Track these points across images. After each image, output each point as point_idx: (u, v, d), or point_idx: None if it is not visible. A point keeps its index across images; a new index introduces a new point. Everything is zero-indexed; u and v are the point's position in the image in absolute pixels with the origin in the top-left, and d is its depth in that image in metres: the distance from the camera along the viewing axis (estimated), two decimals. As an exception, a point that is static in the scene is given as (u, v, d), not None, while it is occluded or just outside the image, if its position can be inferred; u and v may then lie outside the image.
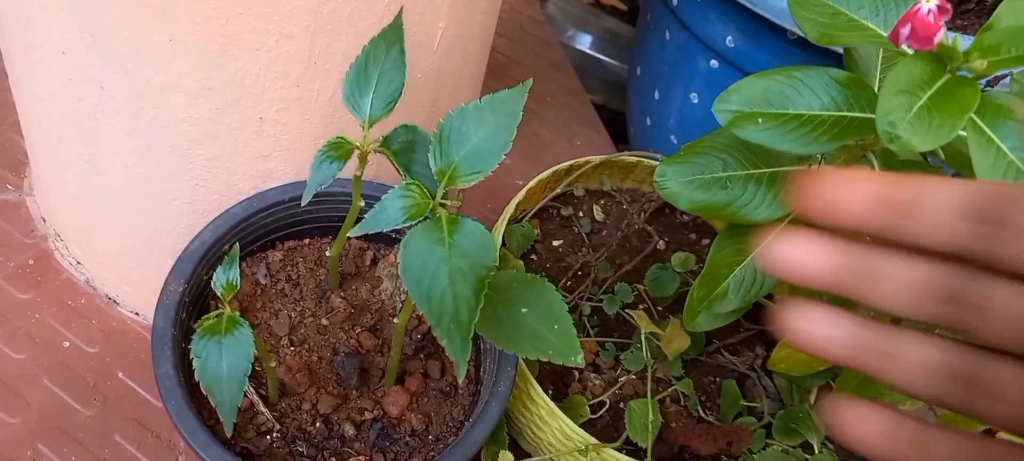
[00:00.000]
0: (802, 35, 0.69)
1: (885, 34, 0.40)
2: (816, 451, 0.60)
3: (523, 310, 0.44)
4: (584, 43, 1.25)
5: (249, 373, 0.41)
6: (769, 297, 0.69)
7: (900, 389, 0.26)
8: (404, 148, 0.45)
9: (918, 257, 0.26)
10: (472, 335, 0.38)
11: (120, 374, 0.69)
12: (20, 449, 0.63)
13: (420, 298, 0.39)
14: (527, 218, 0.72)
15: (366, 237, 0.63)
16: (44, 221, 0.75)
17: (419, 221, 0.42)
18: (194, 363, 0.41)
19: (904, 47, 0.38)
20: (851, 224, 0.26)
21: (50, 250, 0.73)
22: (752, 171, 0.46)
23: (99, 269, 0.71)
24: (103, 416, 0.66)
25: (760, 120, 0.40)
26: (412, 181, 0.43)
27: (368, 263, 0.63)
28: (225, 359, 0.41)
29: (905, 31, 0.37)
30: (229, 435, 0.42)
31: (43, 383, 0.67)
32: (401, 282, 0.62)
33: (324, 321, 0.59)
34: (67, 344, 0.69)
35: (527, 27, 1.18)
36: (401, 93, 0.47)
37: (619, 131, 1.15)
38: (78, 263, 0.72)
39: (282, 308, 0.59)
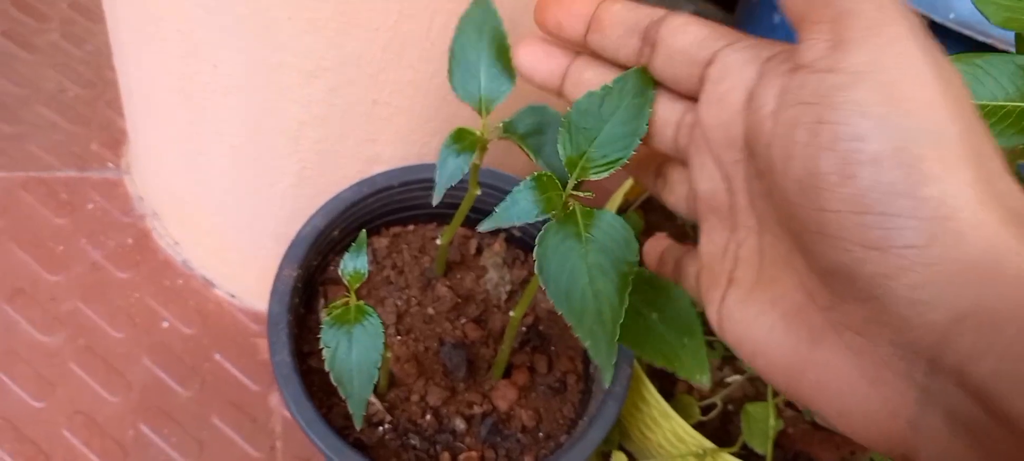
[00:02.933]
0: (934, 20, 0.64)
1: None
2: (946, 464, 0.57)
3: (654, 315, 0.42)
4: (670, 26, 1.21)
5: (380, 365, 0.40)
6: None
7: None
8: (532, 131, 0.43)
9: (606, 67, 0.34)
10: (617, 336, 0.35)
11: (217, 356, 0.68)
12: (122, 427, 0.64)
13: (558, 297, 0.37)
14: (632, 208, 0.69)
15: (471, 225, 0.61)
16: (142, 200, 0.75)
17: (551, 215, 0.39)
18: (324, 353, 0.40)
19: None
20: (568, 37, 0.33)
21: (148, 229, 0.73)
22: None
23: (197, 250, 0.70)
24: (201, 398, 0.66)
25: None
26: (543, 173, 0.40)
27: (473, 252, 0.61)
28: (355, 350, 0.40)
29: None
30: (359, 428, 0.41)
31: (143, 362, 0.67)
32: (506, 272, 0.60)
33: (430, 310, 0.57)
34: (165, 324, 0.69)
35: (613, 8, 1.14)
36: (515, 77, 0.44)
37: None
38: (176, 243, 0.72)
39: (388, 296, 0.57)
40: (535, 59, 0.36)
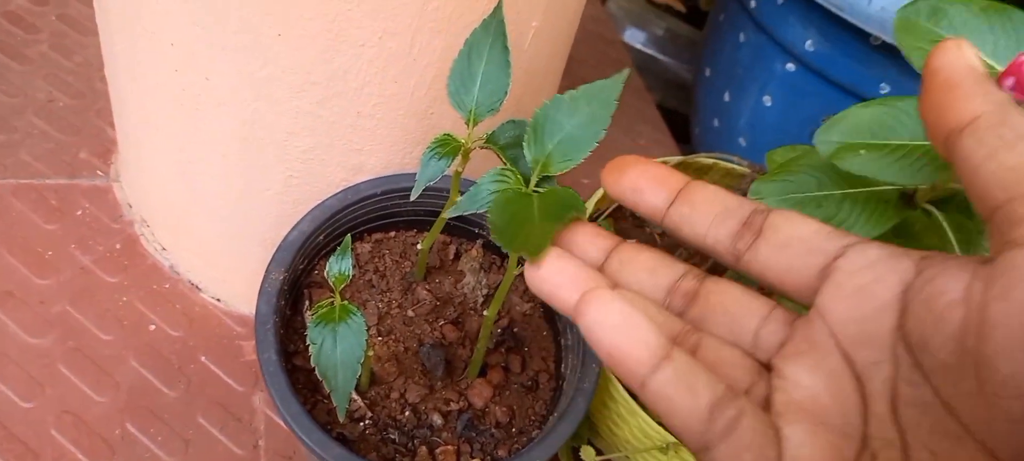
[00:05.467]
0: (887, 40, 0.69)
1: (997, 67, 0.40)
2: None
3: None
4: (644, 41, 1.25)
5: (362, 361, 0.42)
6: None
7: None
8: (511, 143, 0.46)
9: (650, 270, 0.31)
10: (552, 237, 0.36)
11: (203, 358, 0.71)
12: (110, 427, 0.66)
13: (502, 231, 0.37)
14: (603, 217, 0.72)
15: (450, 232, 0.64)
16: (130, 207, 0.77)
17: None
18: (310, 349, 0.42)
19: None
20: (647, 206, 0.31)
21: (136, 236, 0.76)
22: (848, 190, 0.46)
23: (185, 255, 0.73)
24: (187, 398, 0.68)
25: (862, 152, 0.40)
26: (507, 167, 0.44)
27: (451, 257, 0.64)
28: (339, 346, 0.43)
29: (1009, 83, 0.37)
30: (342, 420, 0.43)
31: (130, 364, 0.69)
32: (483, 276, 0.63)
33: (410, 313, 0.60)
34: (153, 327, 0.71)
35: (588, 26, 1.18)
36: (507, 92, 0.47)
37: (678, 130, 1.15)
38: (163, 249, 0.74)
39: (370, 299, 0.60)
40: (560, 274, 0.30)
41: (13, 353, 0.68)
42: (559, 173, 0.44)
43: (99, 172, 0.79)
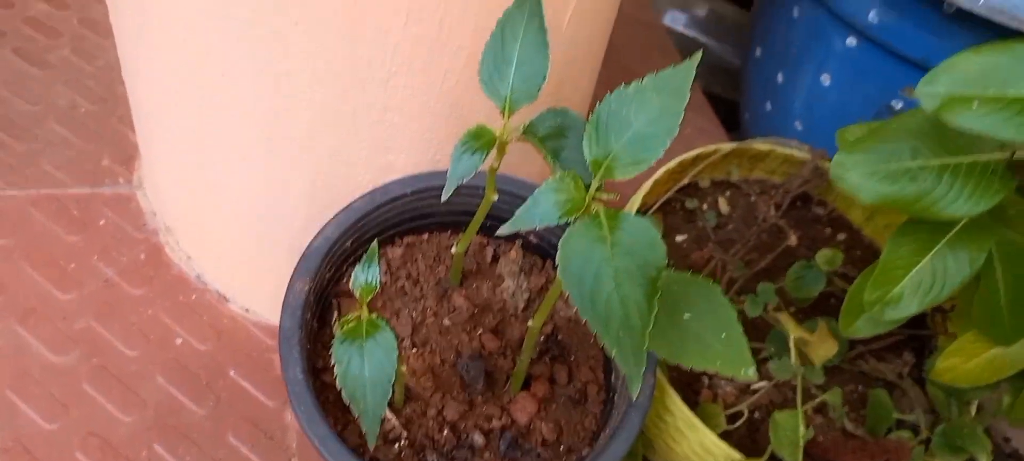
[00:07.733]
0: (963, 7, 0.62)
1: None
2: (987, 471, 0.54)
3: (686, 315, 0.40)
4: (685, 24, 1.19)
5: (393, 380, 0.38)
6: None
7: None
8: (552, 134, 0.41)
9: None
10: (647, 344, 0.34)
11: (232, 372, 0.67)
12: (136, 448, 0.63)
13: (583, 303, 0.35)
14: (651, 211, 0.67)
15: (487, 233, 0.60)
16: (154, 215, 0.74)
17: (575, 218, 0.38)
18: (336, 369, 0.38)
19: None
20: None
21: (161, 245, 0.73)
22: (948, 160, 0.40)
23: (210, 264, 0.70)
24: (217, 415, 0.65)
25: (976, 104, 0.35)
26: (566, 173, 0.39)
27: (489, 260, 0.59)
28: (367, 365, 0.38)
29: None
30: (372, 446, 0.39)
31: (157, 381, 0.66)
32: (523, 280, 0.59)
33: (446, 321, 0.56)
34: (180, 341, 0.68)
35: (629, 10, 1.12)
36: (546, 76, 0.43)
37: (725, 117, 1.09)
38: (189, 258, 0.71)
39: (403, 307, 0.56)
40: None
41: (36, 372, 0.65)
42: (626, 178, 0.39)
43: (122, 180, 0.76)
